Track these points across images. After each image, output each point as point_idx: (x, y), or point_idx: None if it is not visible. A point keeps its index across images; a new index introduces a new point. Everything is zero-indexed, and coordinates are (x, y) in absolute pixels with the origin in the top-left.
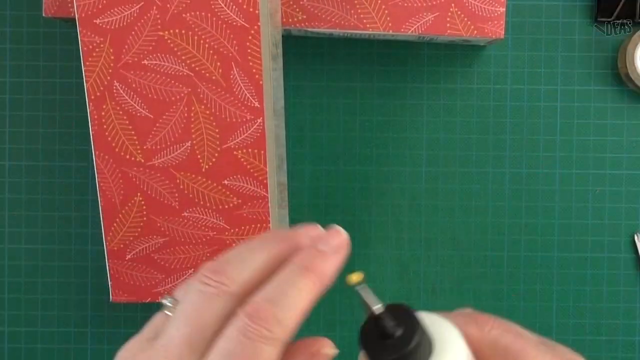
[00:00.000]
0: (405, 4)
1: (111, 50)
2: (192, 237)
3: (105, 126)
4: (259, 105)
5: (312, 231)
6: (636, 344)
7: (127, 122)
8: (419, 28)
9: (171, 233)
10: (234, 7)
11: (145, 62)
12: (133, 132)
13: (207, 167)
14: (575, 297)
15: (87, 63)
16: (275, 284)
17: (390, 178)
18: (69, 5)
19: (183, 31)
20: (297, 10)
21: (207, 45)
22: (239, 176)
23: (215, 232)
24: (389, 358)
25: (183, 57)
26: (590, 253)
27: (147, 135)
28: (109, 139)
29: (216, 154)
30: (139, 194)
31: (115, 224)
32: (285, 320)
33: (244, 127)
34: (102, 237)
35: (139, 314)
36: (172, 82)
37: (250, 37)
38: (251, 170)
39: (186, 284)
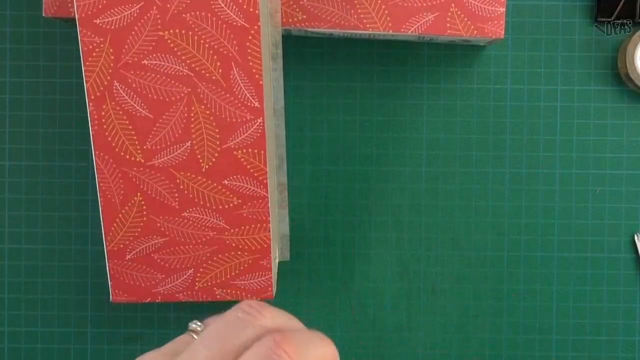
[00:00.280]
0: (405, 4)
1: (111, 50)
2: (192, 237)
3: (105, 126)
4: (259, 105)
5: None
6: (636, 344)
7: (127, 122)
8: (419, 28)
9: (171, 233)
10: (234, 7)
11: (145, 62)
12: (133, 132)
13: (207, 167)
14: (575, 297)
15: (87, 63)
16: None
17: (390, 178)
18: (69, 5)
19: (183, 31)
20: (297, 10)
21: (207, 45)
22: (239, 176)
23: (215, 232)
24: None
25: (183, 57)
26: (590, 253)
27: (147, 135)
28: (109, 139)
29: (216, 154)
30: (139, 194)
31: (115, 224)
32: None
33: (244, 127)
34: (102, 237)
35: (139, 314)
36: (172, 82)
37: (250, 37)
38: (251, 170)
39: (221, 314)
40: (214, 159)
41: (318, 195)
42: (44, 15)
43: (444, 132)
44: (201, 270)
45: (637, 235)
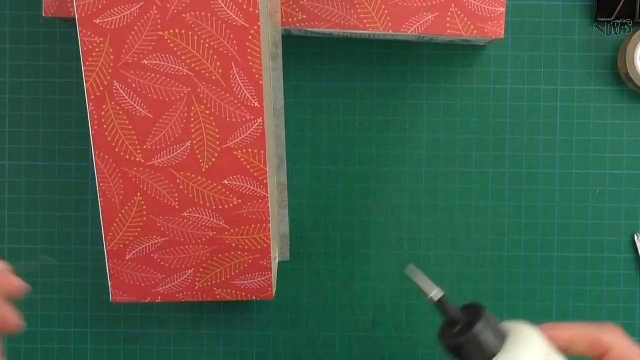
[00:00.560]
0: (405, 4)
1: (111, 50)
2: (192, 237)
3: (105, 126)
4: (259, 105)
5: None
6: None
7: (127, 122)
8: (419, 28)
9: (171, 233)
10: (234, 7)
11: (145, 62)
12: (133, 132)
13: (207, 167)
14: (575, 297)
15: (87, 63)
16: None
17: (390, 178)
18: (69, 5)
19: (183, 31)
20: (297, 10)
21: (207, 45)
22: (239, 176)
23: (215, 232)
24: (453, 342)
25: (183, 57)
26: (590, 253)
27: (147, 135)
28: (109, 139)
29: (216, 154)
30: (139, 194)
31: (115, 224)
32: None
33: (244, 127)
34: (102, 237)
35: (139, 314)
36: (172, 82)
37: (250, 37)
38: (251, 170)
39: None
40: (214, 159)
41: (318, 195)
42: (44, 15)
43: (444, 132)
44: (201, 270)
45: (637, 235)
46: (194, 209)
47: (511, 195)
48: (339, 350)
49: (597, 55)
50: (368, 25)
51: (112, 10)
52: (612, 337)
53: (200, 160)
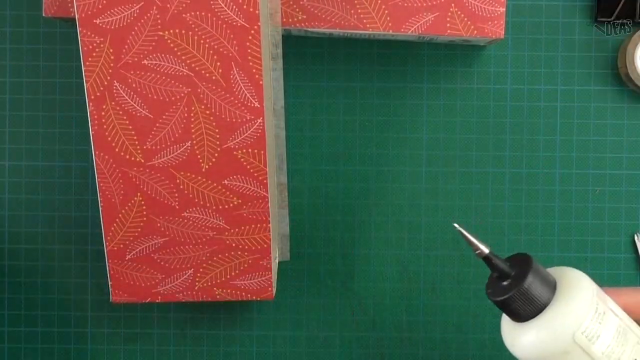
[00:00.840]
0: (405, 4)
1: (111, 50)
2: (192, 237)
3: (105, 126)
4: (258, 105)
5: None
6: None
7: (127, 122)
8: (419, 28)
9: (171, 233)
10: (234, 7)
11: (145, 62)
12: (133, 132)
13: (207, 167)
14: None
15: (87, 63)
16: None
17: (390, 178)
18: (69, 5)
19: (183, 31)
20: (297, 10)
21: (207, 45)
22: (239, 176)
23: (215, 232)
24: (504, 296)
25: (183, 57)
26: (590, 253)
27: (147, 135)
28: (109, 139)
29: (216, 154)
30: (139, 194)
31: (115, 224)
32: None
33: (244, 127)
34: (102, 237)
35: (139, 314)
36: (172, 82)
37: (250, 37)
38: (251, 170)
39: None
40: (214, 159)
41: (318, 195)
42: (44, 15)
43: (444, 132)
44: (201, 270)
45: (637, 235)
46: (194, 209)
47: (511, 195)
48: (339, 350)
49: (597, 55)
50: (368, 25)
51: (112, 10)
52: None
53: (200, 160)
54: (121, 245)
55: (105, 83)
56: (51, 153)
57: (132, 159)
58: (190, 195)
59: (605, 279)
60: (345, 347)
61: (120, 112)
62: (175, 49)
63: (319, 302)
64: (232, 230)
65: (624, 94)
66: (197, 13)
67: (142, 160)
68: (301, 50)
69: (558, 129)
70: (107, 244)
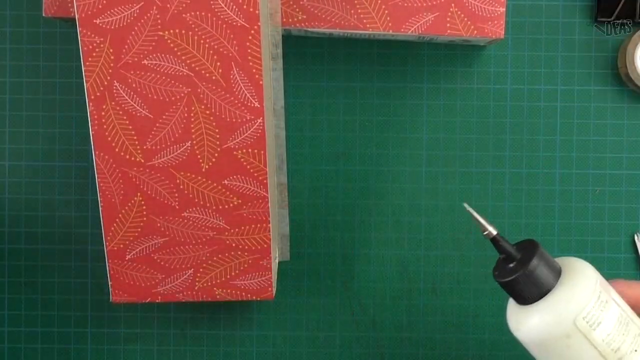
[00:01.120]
0: (405, 4)
1: (111, 50)
2: (192, 237)
3: (105, 126)
4: (258, 105)
5: None
6: None
7: (127, 122)
8: (419, 28)
9: (171, 233)
10: (234, 7)
11: (145, 62)
12: (133, 132)
13: (207, 167)
14: None
15: (87, 63)
16: None
17: (390, 178)
18: (69, 5)
19: (183, 31)
20: (297, 10)
21: (207, 45)
22: (239, 176)
23: (215, 232)
24: (509, 278)
25: (183, 57)
26: (590, 253)
27: (147, 135)
28: (109, 139)
29: (216, 154)
30: (139, 194)
31: (115, 224)
32: None
33: (244, 127)
34: (102, 237)
35: (139, 313)
36: (172, 82)
37: (250, 37)
38: (251, 170)
39: None
40: (214, 159)
41: (318, 195)
42: (44, 15)
43: (444, 132)
44: (201, 270)
45: (637, 235)
46: (194, 209)
47: (511, 195)
48: (339, 350)
49: (597, 55)
50: (368, 25)
51: (112, 10)
52: None
53: (200, 160)
54: (121, 245)
55: (105, 83)
56: (51, 153)
57: (132, 159)
58: (190, 195)
59: (606, 279)
60: (345, 347)
61: (120, 112)
62: (175, 49)
63: (319, 302)
64: (232, 230)
65: (624, 94)
66: (197, 13)
67: (142, 160)
68: (301, 50)
69: (558, 129)
70: (107, 244)
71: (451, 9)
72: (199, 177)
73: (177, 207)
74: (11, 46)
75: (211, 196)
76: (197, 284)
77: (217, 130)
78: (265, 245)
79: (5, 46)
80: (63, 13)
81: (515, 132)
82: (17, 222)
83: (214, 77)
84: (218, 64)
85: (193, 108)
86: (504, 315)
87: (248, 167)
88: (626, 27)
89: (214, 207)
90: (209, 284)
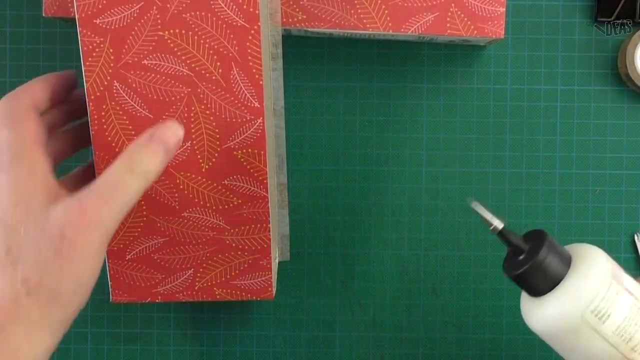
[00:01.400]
0: (405, 4)
1: (111, 50)
2: (192, 237)
3: (105, 126)
4: (258, 105)
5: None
6: None
7: (127, 122)
8: (419, 28)
9: (171, 233)
10: (234, 7)
11: (145, 62)
12: (133, 132)
13: (207, 167)
14: None
15: (87, 63)
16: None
17: (390, 178)
18: (69, 5)
19: (183, 31)
20: (297, 10)
21: (207, 45)
22: (238, 176)
23: (215, 232)
24: (518, 270)
25: (183, 57)
26: None
27: None
28: (109, 139)
29: (216, 154)
30: None
31: None
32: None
33: (244, 127)
34: None
35: (139, 314)
36: (172, 82)
37: (250, 37)
38: (251, 170)
39: None
40: (214, 159)
41: (318, 195)
42: (44, 15)
43: (444, 132)
44: (201, 270)
45: (637, 235)
46: (194, 209)
47: (511, 195)
48: (339, 350)
49: (597, 55)
50: (368, 25)
51: (112, 10)
52: None
53: (200, 160)
54: (121, 245)
55: (105, 83)
56: None
57: None
58: (190, 195)
59: None
60: (345, 347)
61: (120, 112)
62: (175, 49)
63: (319, 302)
64: (232, 230)
65: (624, 94)
66: (197, 13)
67: None
68: (301, 50)
69: (558, 129)
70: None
71: (451, 9)
72: (199, 177)
73: (177, 207)
74: (11, 46)
75: (211, 196)
76: (197, 284)
77: (217, 131)
78: (265, 246)
79: (5, 46)
80: (63, 13)
81: (515, 132)
82: None
83: (214, 77)
84: (218, 64)
85: (193, 108)
86: (504, 315)
87: (248, 167)
88: (626, 27)
89: (214, 207)
90: (209, 283)
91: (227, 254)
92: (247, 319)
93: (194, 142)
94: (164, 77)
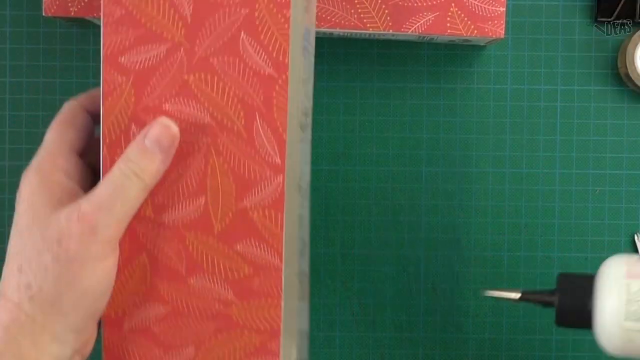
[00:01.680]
0: (406, 4)
1: (133, 91)
2: (196, 309)
3: None
4: (280, 162)
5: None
6: None
7: None
8: (419, 28)
9: (175, 302)
10: (263, 54)
11: (166, 106)
12: None
13: (219, 228)
14: None
15: (107, 103)
16: None
17: (390, 178)
18: (69, 4)
19: (209, 76)
20: None
21: (231, 93)
22: (252, 241)
23: (222, 306)
24: (558, 321)
25: (206, 104)
26: (590, 253)
27: (159, 188)
28: None
29: (230, 214)
30: (144, 253)
31: (115, 286)
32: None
33: (262, 184)
34: None
35: None
36: (192, 130)
37: (277, 88)
38: (266, 236)
39: None
40: (227, 220)
41: (318, 195)
42: (44, 15)
43: (444, 132)
44: (203, 349)
45: (637, 235)
46: (202, 275)
47: (511, 195)
48: (339, 350)
49: (597, 55)
50: (368, 25)
51: (138, 49)
52: None
53: (214, 220)
54: (119, 312)
55: (123, 126)
56: None
57: (142, 212)
58: (199, 260)
59: None
60: (345, 347)
61: None
62: (199, 95)
63: (319, 302)
64: (240, 304)
65: (624, 94)
66: (225, 58)
67: (153, 215)
68: None
69: (558, 129)
70: (106, 309)
71: (451, 9)
72: (210, 240)
73: (183, 272)
74: (11, 46)
75: (221, 262)
76: None
77: (233, 187)
78: (275, 326)
79: (5, 46)
80: (63, 13)
81: (515, 132)
82: None
83: (235, 128)
84: (241, 113)
85: (211, 160)
86: (504, 315)
87: (263, 231)
88: (626, 27)
89: (223, 276)
90: None
91: (232, 333)
92: None
93: (209, 198)
94: (183, 125)
